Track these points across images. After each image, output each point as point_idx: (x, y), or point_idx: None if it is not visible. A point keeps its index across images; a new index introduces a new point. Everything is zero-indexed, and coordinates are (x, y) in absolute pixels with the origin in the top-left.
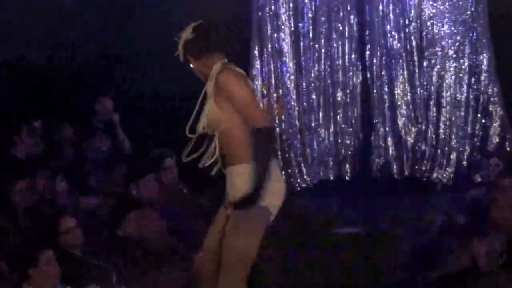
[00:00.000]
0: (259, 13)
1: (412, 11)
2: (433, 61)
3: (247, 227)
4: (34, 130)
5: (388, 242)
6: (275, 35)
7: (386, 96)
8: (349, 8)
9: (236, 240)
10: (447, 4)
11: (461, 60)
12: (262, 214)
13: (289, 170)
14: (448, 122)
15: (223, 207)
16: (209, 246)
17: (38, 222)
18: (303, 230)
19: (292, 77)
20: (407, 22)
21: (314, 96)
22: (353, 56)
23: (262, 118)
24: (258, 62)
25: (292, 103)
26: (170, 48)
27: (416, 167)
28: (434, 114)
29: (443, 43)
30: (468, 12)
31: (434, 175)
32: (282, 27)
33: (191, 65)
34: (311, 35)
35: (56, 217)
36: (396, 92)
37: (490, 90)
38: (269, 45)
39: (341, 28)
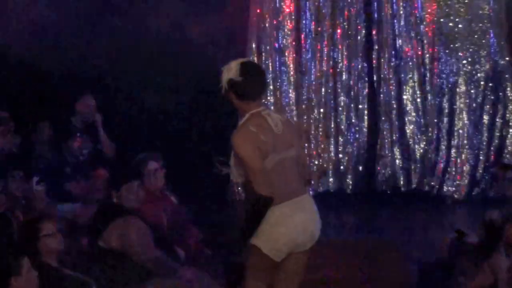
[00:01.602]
0: (258, 10)
1: (424, 9)
2: (446, 64)
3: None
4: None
5: (394, 262)
6: (275, 33)
7: (393, 101)
8: (355, 5)
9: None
10: (462, 1)
11: (477, 64)
12: (252, 252)
13: None
14: (461, 131)
15: None
16: None
17: (12, 228)
18: None
19: (292, 78)
20: (418, 21)
21: (314, 100)
22: (358, 57)
23: (257, 183)
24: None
25: (291, 106)
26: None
27: (425, 179)
28: (446, 122)
29: (457, 44)
30: (486, 11)
31: (445, 188)
32: (283, 24)
33: (232, 100)
34: (313, 34)
35: (36, 221)
36: (405, 97)
37: (508, 96)
38: (268, 43)
39: (346, 26)
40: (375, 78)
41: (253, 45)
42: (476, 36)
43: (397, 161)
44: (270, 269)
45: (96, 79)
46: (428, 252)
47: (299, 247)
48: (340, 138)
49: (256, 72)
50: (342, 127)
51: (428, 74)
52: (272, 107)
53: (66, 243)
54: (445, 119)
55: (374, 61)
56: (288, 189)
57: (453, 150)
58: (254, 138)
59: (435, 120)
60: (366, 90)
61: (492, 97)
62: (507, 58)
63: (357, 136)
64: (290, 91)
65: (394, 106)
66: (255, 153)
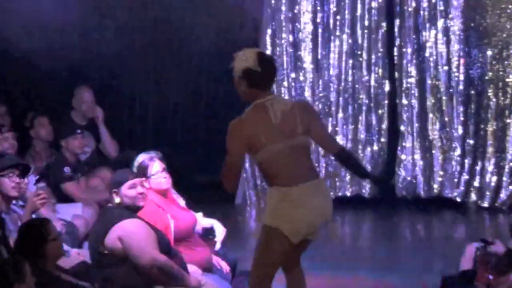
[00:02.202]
0: (272, 1)
1: (450, 2)
2: (474, 60)
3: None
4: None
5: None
6: (290, 25)
7: (416, 102)
8: None
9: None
10: None
11: (506, 61)
12: (270, 236)
13: None
14: (488, 133)
15: None
16: None
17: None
18: None
19: (308, 74)
20: (443, 14)
21: (332, 98)
22: (379, 52)
23: (225, 180)
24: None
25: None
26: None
27: (448, 185)
28: (472, 124)
29: (485, 39)
30: None
31: (469, 195)
32: (299, 16)
33: (242, 87)
34: (331, 26)
35: (41, 224)
36: (427, 96)
37: None
38: (283, 36)
39: (366, 18)
40: (396, 76)
41: (267, 39)
42: (505, 33)
43: (418, 165)
44: (285, 254)
45: (98, 73)
46: (451, 263)
47: (313, 231)
48: (358, 138)
49: (272, 63)
50: (361, 128)
51: (455, 71)
52: None
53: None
54: (471, 120)
55: (395, 58)
56: (300, 173)
57: (479, 154)
58: (243, 134)
59: (461, 122)
60: (387, 88)
61: None
62: None
63: (376, 138)
64: (306, 88)
65: (416, 106)
66: (236, 147)
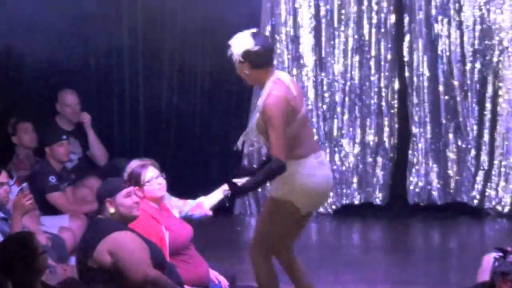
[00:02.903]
0: None
1: None
2: (488, 57)
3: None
4: None
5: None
6: (291, 19)
7: (428, 101)
8: None
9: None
10: None
11: None
12: (281, 209)
13: None
14: (505, 135)
15: None
16: None
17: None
18: None
19: (311, 73)
20: (457, 7)
21: (337, 98)
22: (388, 49)
23: (280, 153)
24: None
25: (310, 106)
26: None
27: (463, 190)
28: (488, 124)
29: (501, 34)
30: None
31: (486, 200)
32: (300, 9)
33: (245, 71)
34: (335, 21)
35: (28, 238)
36: (440, 96)
37: None
38: (283, 32)
39: (374, 12)
40: (406, 74)
41: (267, 35)
42: None
43: (432, 169)
44: (291, 228)
45: (83, 75)
46: (467, 274)
47: (320, 203)
48: (366, 141)
49: (267, 39)
50: (370, 130)
51: (468, 69)
52: None
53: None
54: (487, 121)
55: (405, 54)
56: (312, 143)
57: (495, 156)
58: (284, 104)
59: (476, 122)
60: (397, 87)
61: None
62: None
63: (386, 141)
64: (309, 87)
65: (428, 106)
66: (283, 118)
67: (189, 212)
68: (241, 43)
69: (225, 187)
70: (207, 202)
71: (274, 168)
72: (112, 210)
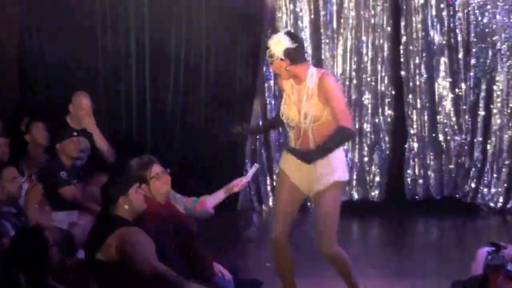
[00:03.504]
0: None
1: None
2: (482, 59)
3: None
4: None
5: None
6: (291, 23)
7: (424, 100)
8: None
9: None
10: None
11: None
12: (338, 190)
13: None
14: (498, 133)
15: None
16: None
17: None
18: None
19: None
20: (451, 11)
21: None
22: (385, 50)
23: (349, 122)
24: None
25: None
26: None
27: (458, 186)
28: (482, 123)
29: (494, 37)
30: None
31: (480, 196)
32: (300, 14)
33: (285, 68)
34: (334, 25)
35: (39, 231)
36: (436, 95)
37: None
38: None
39: (371, 16)
40: (403, 75)
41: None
42: None
43: (428, 167)
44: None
45: (93, 77)
46: (461, 267)
47: None
48: (364, 140)
49: (300, 37)
50: (367, 128)
51: (462, 70)
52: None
53: (62, 256)
54: (481, 120)
55: (401, 55)
56: None
57: (489, 154)
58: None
59: (470, 121)
60: (393, 87)
61: None
62: None
63: (383, 138)
64: None
65: (424, 105)
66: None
67: (193, 209)
68: (280, 43)
69: (226, 187)
70: (210, 201)
71: (345, 133)
72: (126, 206)
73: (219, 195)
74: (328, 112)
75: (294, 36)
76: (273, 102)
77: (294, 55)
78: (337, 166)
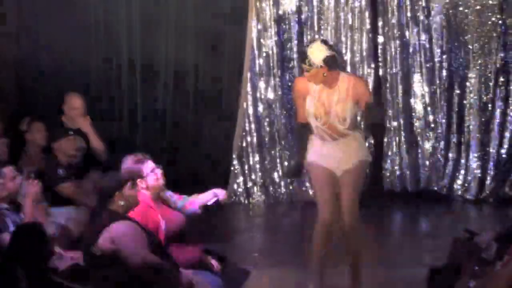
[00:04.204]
0: (257, 2)
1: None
2: (455, 57)
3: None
4: None
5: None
6: (276, 25)
7: (400, 97)
8: None
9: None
10: None
11: (488, 57)
12: (365, 169)
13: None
14: (471, 127)
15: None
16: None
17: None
18: None
19: (295, 75)
20: (425, 12)
21: None
22: (364, 50)
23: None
24: (256, 54)
25: (291, 101)
26: None
27: (434, 178)
28: (455, 118)
29: (467, 36)
30: (496, 1)
31: (455, 188)
32: (284, 15)
33: (324, 74)
34: (315, 26)
35: (37, 226)
36: (412, 92)
37: None
38: (269, 37)
39: (350, 17)
40: (380, 73)
41: (253, 37)
42: (486, 27)
43: (405, 159)
44: None
45: (88, 78)
46: (437, 254)
47: None
48: None
49: (333, 45)
50: None
51: (437, 68)
52: (275, 104)
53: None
54: (455, 115)
55: (379, 55)
56: None
57: (463, 148)
58: None
59: (445, 116)
60: (372, 85)
61: (504, 92)
62: None
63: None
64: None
65: (401, 102)
66: None
67: (182, 207)
68: (319, 52)
69: (216, 189)
70: (198, 201)
71: (379, 109)
72: (121, 202)
73: (207, 197)
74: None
75: (328, 44)
76: (259, 102)
77: (332, 62)
78: (360, 148)
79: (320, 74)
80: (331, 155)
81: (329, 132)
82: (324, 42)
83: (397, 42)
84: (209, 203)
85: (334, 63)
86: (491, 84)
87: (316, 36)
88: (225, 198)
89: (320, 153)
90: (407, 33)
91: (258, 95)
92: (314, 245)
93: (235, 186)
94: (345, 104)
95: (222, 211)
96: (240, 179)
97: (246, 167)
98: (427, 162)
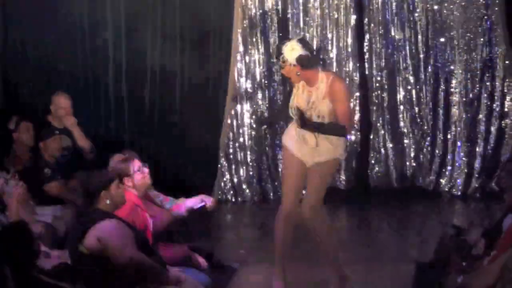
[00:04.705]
0: (242, 0)
1: None
2: (440, 53)
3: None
4: None
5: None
6: (261, 23)
7: (386, 93)
8: None
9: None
10: None
11: (473, 52)
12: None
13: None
14: (457, 123)
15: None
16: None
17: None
18: None
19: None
20: (411, 8)
21: None
22: (349, 47)
23: (348, 123)
24: (241, 51)
25: (278, 98)
26: None
27: (420, 174)
28: (441, 114)
29: (452, 32)
30: None
31: (441, 184)
32: (269, 13)
33: (297, 72)
34: (301, 23)
35: (25, 225)
36: (398, 88)
37: (506, 87)
38: (254, 34)
39: (336, 15)
40: (366, 69)
41: (239, 37)
42: (472, 24)
43: (391, 155)
44: None
45: (75, 76)
46: (424, 250)
47: None
48: None
49: (311, 45)
50: None
51: (422, 64)
52: (261, 101)
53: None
54: (441, 111)
55: (365, 51)
56: None
57: (449, 144)
58: None
59: (430, 112)
60: (358, 81)
61: (489, 87)
62: (504, 46)
63: None
64: (278, 83)
65: (387, 98)
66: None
67: (168, 209)
68: (293, 50)
69: (204, 196)
70: (185, 205)
71: (341, 129)
72: (107, 201)
73: (194, 202)
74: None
75: (306, 43)
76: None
77: (306, 62)
78: (338, 145)
79: (293, 72)
80: (306, 142)
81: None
82: (301, 41)
83: (382, 38)
84: (195, 207)
85: (308, 62)
86: (477, 79)
87: (302, 33)
88: (212, 206)
89: (296, 138)
90: (392, 30)
91: (243, 92)
92: (275, 234)
93: (222, 184)
94: (323, 103)
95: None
96: (227, 176)
97: (233, 164)
98: (413, 158)
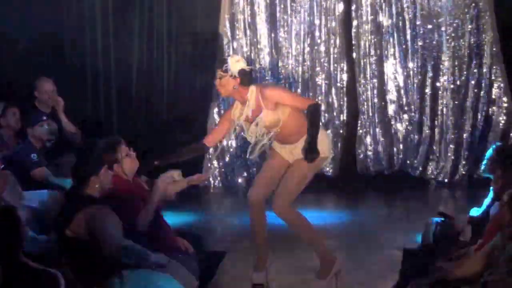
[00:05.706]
0: None
1: None
2: (428, 40)
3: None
4: None
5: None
6: (248, 8)
7: (374, 80)
8: None
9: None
10: None
11: (461, 40)
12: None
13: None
14: (445, 110)
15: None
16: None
17: None
18: None
19: (267, 56)
20: None
21: (291, 79)
22: (337, 33)
23: (308, 101)
24: (229, 37)
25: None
26: None
27: (408, 161)
28: (429, 101)
29: (440, 19)
30: None
31: (428, 170)
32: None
33: (234, 86)
34: (288, 10)
35: (11, 210)
36: (385, 75)
37: (493, 74)
38: (241, 19)
39: (323, 1)
40: (354, 56)
41: (226, 23)
42: (459, 10)
43: (379, 142)
44: None
45: (62, 60)
46: (412, 236)
47: None
48: None
49: (251, 66)
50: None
51: (410, 51)
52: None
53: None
54: (428, 98)
55: (353, 38)
56: None
57: (436, 130)
58: None
59: (418, 99)
60: (345, 68)
61: (477, 74)
62: (491, 33)
63: (337, 116)
64: (266, 69)
65: (375, 84)
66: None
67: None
68: (238, 62)
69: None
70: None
71: (314, 110)
72: (97, 186)
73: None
74: (281, 112)
75: (250, 61)
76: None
77: (246, 77)
78: (320, 142)
79: (230, 84)
80: (289, 146)
81: (281, 139)
82: (246, 59)
83: (370, 25)
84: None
85: (247, 78)
86: (464, 66)
87: (290, 20)
88: (202, 179)
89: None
90: (379, 17)
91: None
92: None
93: (210, 170)
94: (264, 113)
95: (199, 196)
96: (214, 163)
97: (220, 150)
98: (401, 145)
